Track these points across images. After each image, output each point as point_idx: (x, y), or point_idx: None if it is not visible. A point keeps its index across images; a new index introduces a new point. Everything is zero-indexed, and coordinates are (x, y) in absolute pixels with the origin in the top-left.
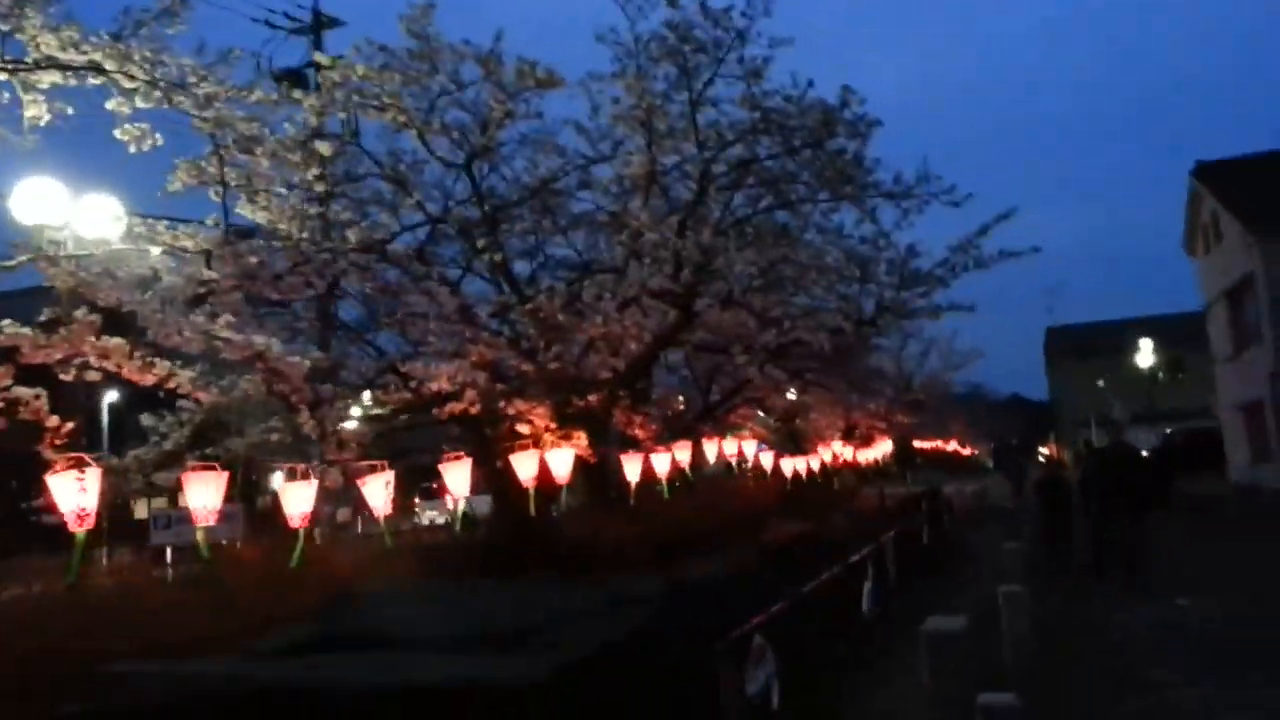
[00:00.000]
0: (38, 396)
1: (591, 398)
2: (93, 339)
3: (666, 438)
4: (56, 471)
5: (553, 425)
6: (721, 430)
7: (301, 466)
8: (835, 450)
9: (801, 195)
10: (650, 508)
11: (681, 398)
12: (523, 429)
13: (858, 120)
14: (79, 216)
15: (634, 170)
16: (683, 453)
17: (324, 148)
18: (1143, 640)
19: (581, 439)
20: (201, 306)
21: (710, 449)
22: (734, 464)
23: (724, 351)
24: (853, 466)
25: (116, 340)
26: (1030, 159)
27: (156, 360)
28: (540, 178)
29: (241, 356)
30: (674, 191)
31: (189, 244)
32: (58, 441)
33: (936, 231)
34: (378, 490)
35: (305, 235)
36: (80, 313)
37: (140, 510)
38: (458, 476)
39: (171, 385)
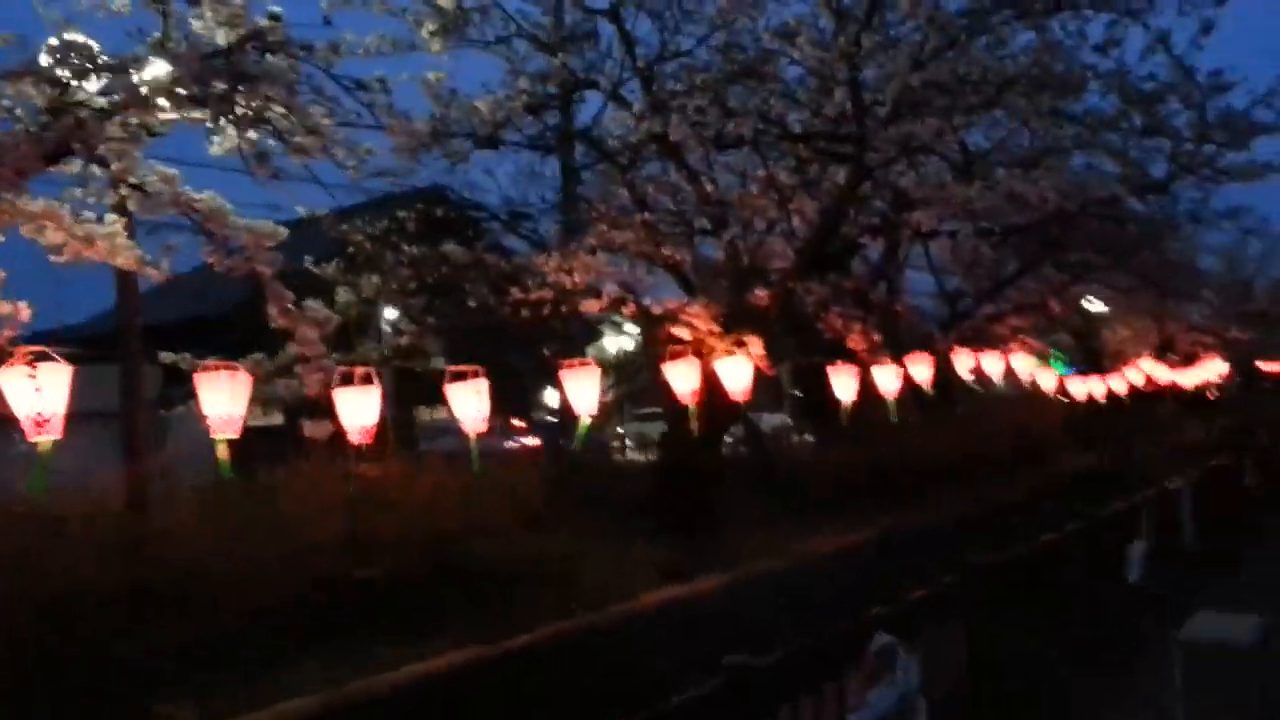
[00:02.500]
0: None
1: (760, 292)
2: None
3: (891, 349)
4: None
5: (715, 328)
6: (984, 344)
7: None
8: (1147, 371)
9: None
10: (877, 434)
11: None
12: (680, 333)
13: None
14: None
15: None
16: (920, 368)
17: None
18: None
19: (756, 345)
20: None
21: (962, 364)
22: (993, 384)
23: (929, 236)
24: (1175, 392)
25: None
26: None
27: None
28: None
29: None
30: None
31: None
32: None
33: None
34: (465, 399)
35: None
36: None
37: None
38: (579, 385)
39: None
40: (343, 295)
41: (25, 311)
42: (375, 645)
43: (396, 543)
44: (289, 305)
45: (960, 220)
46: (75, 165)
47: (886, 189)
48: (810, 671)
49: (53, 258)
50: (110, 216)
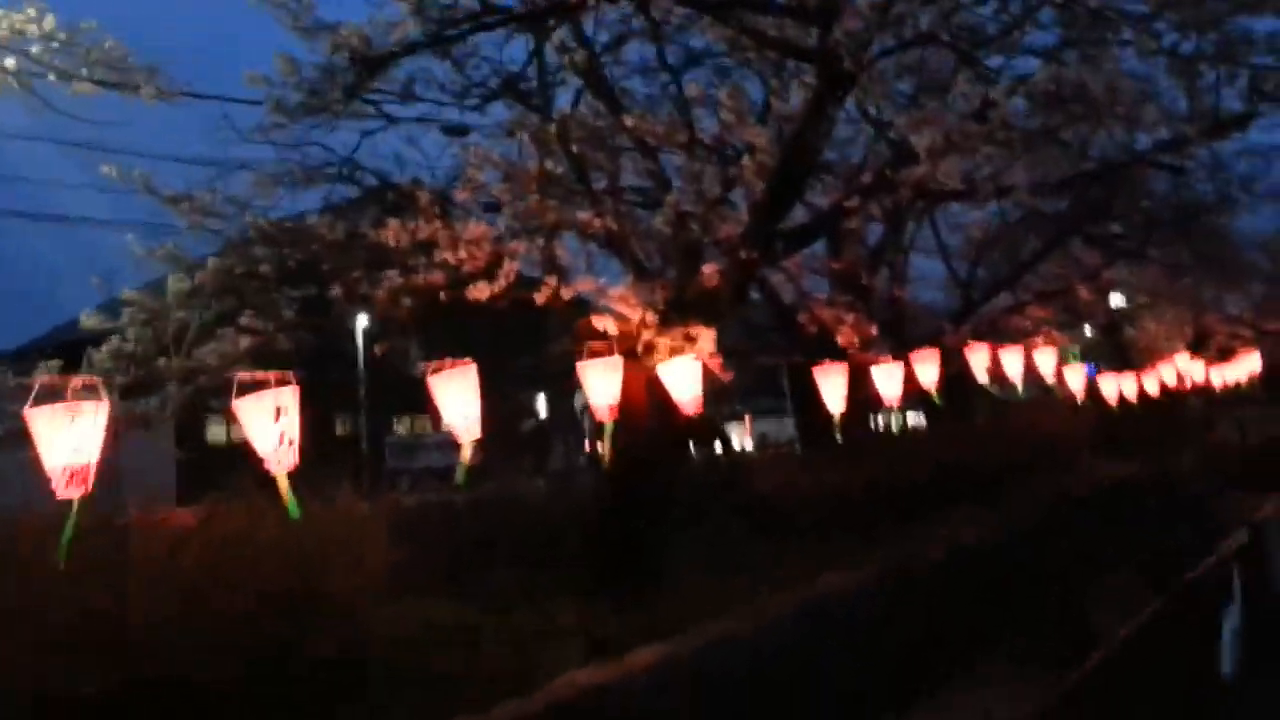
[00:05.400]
0: None
1: (707, 269)
2: None
3: (895, 346)
4: None
5: (650, 318)
6: (1002, 339)
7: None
8: (1181, 368)
9: None
10: (877, 445)
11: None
12: (604, 324)
13: None
14: None
15: None
16: (927, 367)
17: None
18: None
19: (706, 339)
20: None
21: (978, 362)
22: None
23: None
24: (1204, 391)
25: None
26: None
27: None
28: None
29: None
30: None
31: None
32: None
33: None
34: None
35: None
36: None
37: None
38: (452, 392)
39: None
40: (173, 284)
41: None
42: None
43: (170, 628)
44: None
45: (975, 169)
46: None
47: (882, 140)
48: None
49: None
50: None
